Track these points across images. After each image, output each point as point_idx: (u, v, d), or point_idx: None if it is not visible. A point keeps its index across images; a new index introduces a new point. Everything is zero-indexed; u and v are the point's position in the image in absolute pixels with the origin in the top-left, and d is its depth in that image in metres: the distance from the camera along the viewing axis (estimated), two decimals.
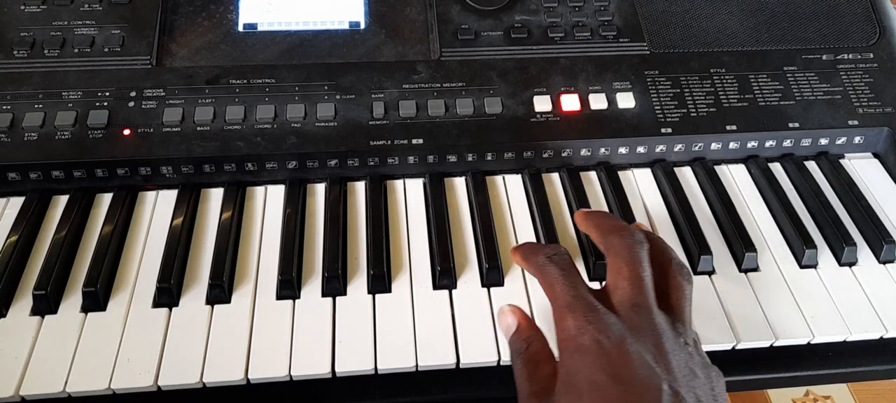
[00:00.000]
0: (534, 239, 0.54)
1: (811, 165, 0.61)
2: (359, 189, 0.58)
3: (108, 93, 0.58)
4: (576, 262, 0.52)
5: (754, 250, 0.53)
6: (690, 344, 0.39)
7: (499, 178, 0.59)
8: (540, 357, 0.41)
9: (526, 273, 0.51)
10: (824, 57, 0.64)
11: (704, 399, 0.37)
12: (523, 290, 0.50)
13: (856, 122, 0.61)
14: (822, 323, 0.49)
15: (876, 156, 0.63)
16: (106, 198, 0.56)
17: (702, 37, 0.64)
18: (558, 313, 0.40)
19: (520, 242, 0.54)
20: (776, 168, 0.61)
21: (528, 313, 0.48)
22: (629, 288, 0.40)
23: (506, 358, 0.46)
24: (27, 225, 0.53)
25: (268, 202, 0.56)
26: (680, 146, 0.60)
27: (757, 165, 0.60)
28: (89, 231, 0.54)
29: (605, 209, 0.57)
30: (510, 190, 0.58)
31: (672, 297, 0.42)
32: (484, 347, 0.47)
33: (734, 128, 0.60)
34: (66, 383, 0.44)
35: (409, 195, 0.57)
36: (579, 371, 0.37)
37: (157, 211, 0.56)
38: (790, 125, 0.60)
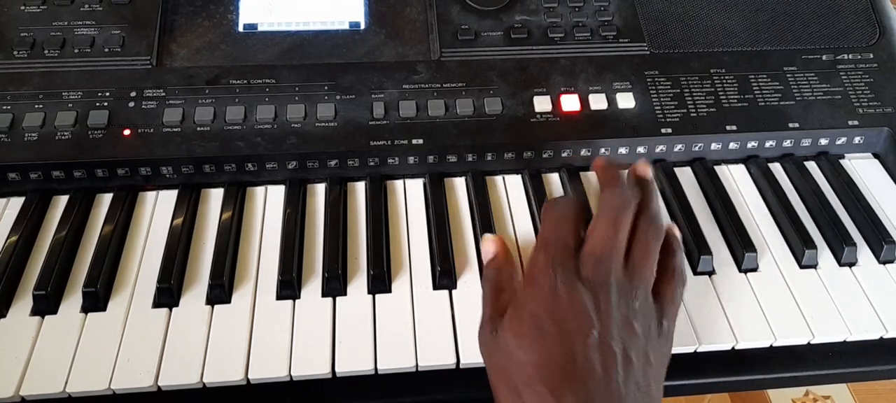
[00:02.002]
0: (534, 240, 0.54)
1: (811, 165, 0.61)
2: (359, 189, 0.58)
3: (108, 94, 0.58)
4: None
5: (754, 250, 0.53)
6: (638, 301, 0.42)
7: (499, 178, 0.59)
8: (505, 285, 0.45)
9: (526, 273, 0.51)
10: (824, 57, 0.64)
11: (633, 355, 0.40)
12: None
13: (856, 123, 0.61)
14: (821, 323, 0.49)
15: (876, 156, 0.63)
16: (106, 199, 0.56)
17: (702, 37, 0.64)
18: (537, 245, 0.44)
19: (522, 241, 0.54)
20: (776, 168, 0.61)
21: None
22: (598, 243, 0.43)
23: None
24: (27, 225, 0.53)
25: (268, 202, 0.57)
26: (680, 146, 0.60)
27: (757, 165, 0.60)
28: (89, 231, 0.54)
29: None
30: (510, 190, 0.58)
31: (634, 250, 0.44)
32: None
33: (734, 128, 0.60)
34: (66, 383, 0.44)
35: (410, 195, 0.57)
36: (527, 304, 0.41)
37: (157, 211, 0.56)
38: (790, 125, 0.60)
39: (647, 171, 0.48)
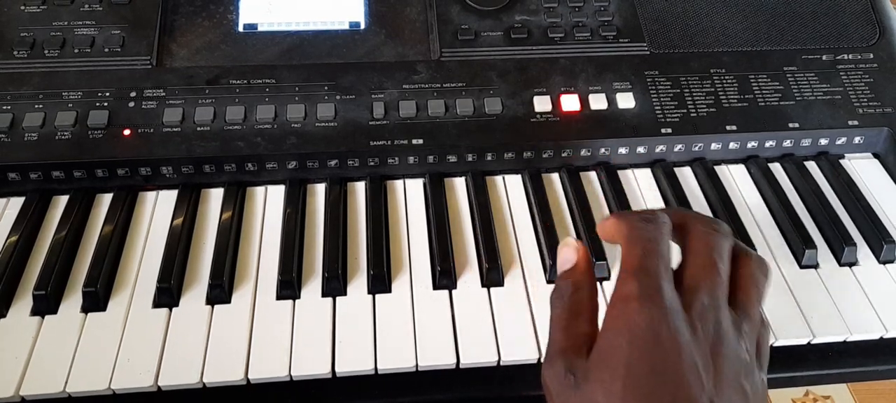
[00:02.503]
0: (534, 240, 0.54)
1: (811, 165, 0.61)
2: (359, 189, 0.58)
3: (108, 94, 0.58)
4: None
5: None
6: (749, 353, 0.35)
7: (499, 178, 0.59)
8: (583, 308, 0.37)
9: (526, 274, 0.51)
10: (824, 57, 0.64)
11: None
12: (523, 290, 0.50)
13: (856, 123, 0.61)
14: (822, 323, 0.49)
15: (876, 156, 0.63)
16: (106, 199, 0.56)
17: (702, 37, 0.64)
18: (623, 273, 0.35)
19: (522, 242, 0.54)
20: (776, 168, 0.61)
21: (529, 316, 0.48)
22: (703, 277, 0.35)
23: (506, 360, 0.46)
24: (27, 225, 0.53)
25: (268, 202, 0.57)
26: (680, 146, 0.60)
27: (757, 165, 0.60)
28: (89, 231, 0.54)
29: (607, 214, 0.57)
30: (510, 190, 0.58)
31: (743, 290, 0.37)
32: (484, 347, 0.47)
33: (734, 128, 0.60)
34: (66, 383, 0.44)
35: (409, 195, 0.57)
36: (621, 350, 0.33)
37: (157, 211, 0.56)
38: (790, 125, 0.60)
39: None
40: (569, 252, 0.39)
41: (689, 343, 0.33)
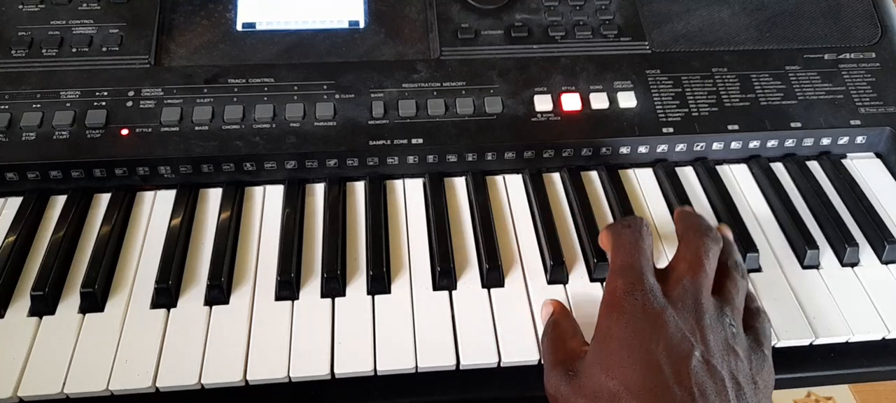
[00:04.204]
0: (534, 240, 0.54)
1: (813, 165, 0.61)
2: (358, 189, 0.58)
3: (106, 93, 0.57)
4: (575, 262, 0.52)
5: (756, 250, 0.53)
6: (736, 327, 0.40)
7: (499, 178, 0.59)
8: (566, 333, 0.43)
9: (526, 274, 0.51)
10: (826, 56, 0.64)
11: (742, 379, 0.37)
12: (523, 291, 0.50)
13: (858, 122, 0.60)
14: (824, 323, 0.49)
15: (878, 155, 0.62)
16: (104, 198, 0.56)
17: (703, 36, 0.64)
18: (611, 275, 0.41)
19: (522, 242, 0.53)
20: (778, 168, 0.61)
21: (530, 317, 0.48)
22: (686, 270, 0.41)
23: (506, 361, 0.46)
24: (25, 225, 0.53)
25: (267, 202, 0.56)
26: (681, 146, 0.60)
27: (759, 165, 0.60)
28: (87, 231, 0.54)
29: (608, 214, 0.57)
30: (510, 190, 0.58)
31: (724, 286, 0.42)
32: (484, 348, 0.46)
33: (736, 127, 0.59)
34: (64, 384, 0.44)
35: (409, 195, 0.57)
36: (614, 330, 0.38)
37: (155, 211, 0.55)
38: (792, 125, 0.60)
39: (729, 233, 0.48)
40: (546, 307, 0.47)
41: (673, 315, 0.38)
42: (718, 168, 0.60)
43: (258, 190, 0.57)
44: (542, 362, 0.43)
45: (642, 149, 0.59)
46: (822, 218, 0.56)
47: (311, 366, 0.45)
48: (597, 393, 0.37)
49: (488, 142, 0.57)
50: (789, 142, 0.61)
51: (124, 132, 0.55)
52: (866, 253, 0.54)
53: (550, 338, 0.44)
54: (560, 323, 0.45)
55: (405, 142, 0.57)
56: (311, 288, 0.50)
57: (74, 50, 0.59)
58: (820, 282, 0.52)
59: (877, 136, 0.61)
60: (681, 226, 0.47)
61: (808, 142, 0.61)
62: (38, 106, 0.56)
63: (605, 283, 0.42)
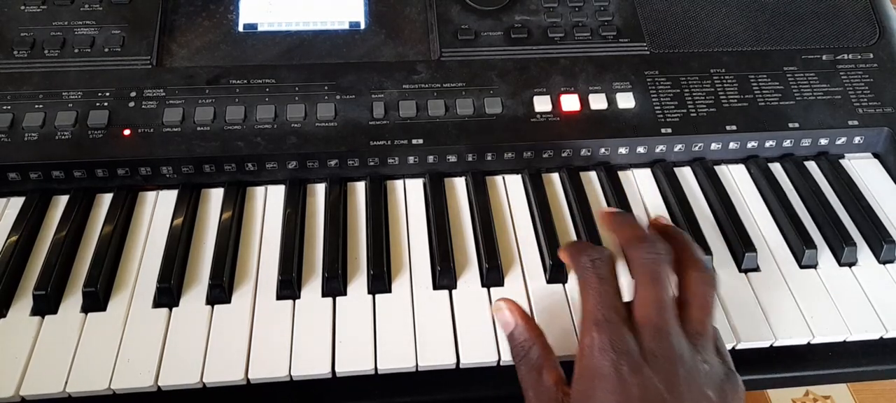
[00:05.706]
0: (534, 240, 0.54)
1: (811, 165, 0.61)
2: (359, 189, 0.58)
3: (108, 94, 0.58)
4: None
5: (754, 250, 0.53)
6: (708, 363, 0.40)
7: (499, 178, 0.59)
8: (542, 363, 0.42)
9: (525, 273, 0.51)
10: (824, 57, 0.64)
11: None
12: (523, 290, 0.50)
13: (856, 123, 0.61)
14: (821, 323, 0.49)
15: (876, 156, 0.63)
16: (106, 199, 0.56)
17: (702, 37, 0.64)
18: (585, 325, 0.41)
19: (522, 241, 0.54)
20: (776, 168, 0.61)
21: (529, 312, 0.48)
22: (653, 313, 0.40)
23: (506, 358, 0.46)
24: (27, 225, 0.53)
25: (268, 202, 0.56)
26: (680, 146, 0.60)
27: (757, 165, 0.60)
28: (89, 231, 0.54)
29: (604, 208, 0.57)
30: (510, 190, 0.58)
31: (693, 308, 0.42)
32: (484, 347, 0.47)
33: (734, 128, 0.60)
34: (66, 383, 0.44)
35: (409, 195, 0.57)
36: (593, 396, 0.38)
37: (157, 211, 0.56)
38: (790, 125, 0.60)
39: (664, 223, 0.48)
40: (504, 315, 0.45)
41: (650, 375, 0.38)
42: (717, 168, 0.61)
43: (259, 190, 0.57)
44: (524, 397, 0.42)
45: (641, 150, 0.60)
46: (819, 218, 0.57)
47: (312, 365, 0.45)
48: None
49: (488, 143, 0.58)
50: (787, 143, 0.61)
51: (126, 132, 0.56)
52: (864, 252, 0.54)
53: (528, 371, 0.42)
54: (532, 350, 0.43)
55: (405, 142, 0.57)
56: (313, 287, 0.50)
57: (76, 51, 0.59)
58: (818, 282, 0.52)
59: (874, 137, 0.62)
60: (618, 240, 0.46)
61: (806, 142, 0.61)
62: (41, 106, 0.56)
63: (578, 330, 0.41)
